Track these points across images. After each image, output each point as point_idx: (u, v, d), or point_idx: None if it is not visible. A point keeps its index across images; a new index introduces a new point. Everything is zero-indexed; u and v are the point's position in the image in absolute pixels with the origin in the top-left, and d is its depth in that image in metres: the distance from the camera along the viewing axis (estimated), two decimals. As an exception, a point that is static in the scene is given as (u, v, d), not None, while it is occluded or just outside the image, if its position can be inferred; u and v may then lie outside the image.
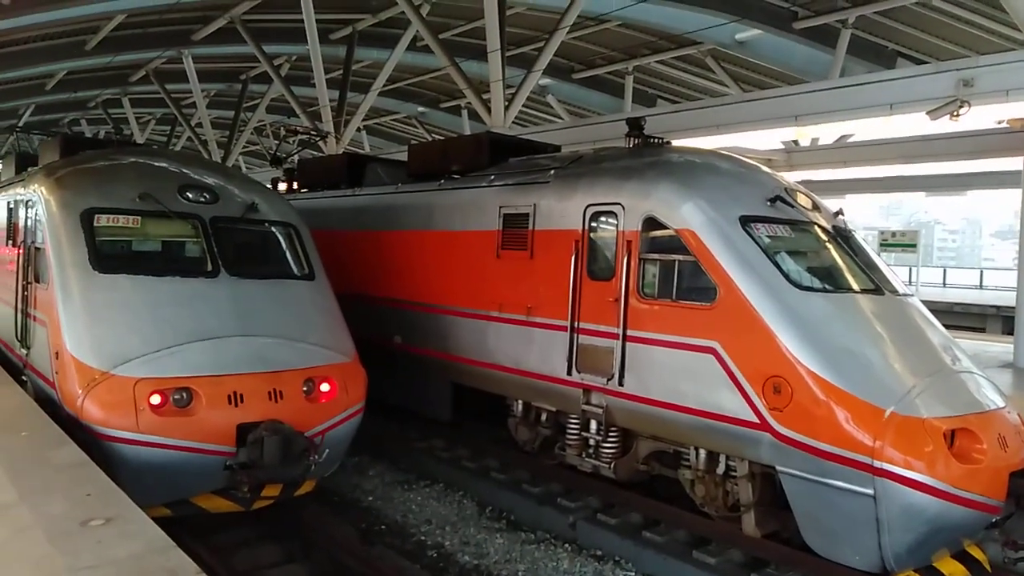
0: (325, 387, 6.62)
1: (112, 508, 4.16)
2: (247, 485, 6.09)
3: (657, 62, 21.29)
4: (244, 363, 6.25)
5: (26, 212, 7.92)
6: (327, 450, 6.39)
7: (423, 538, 7.16)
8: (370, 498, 8.17)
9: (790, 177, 11.36)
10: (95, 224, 6.73)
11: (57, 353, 6.34)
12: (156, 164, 7.81)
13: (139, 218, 6.92)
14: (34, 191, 7.63)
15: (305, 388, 6.47)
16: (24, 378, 7.70)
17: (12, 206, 8.69)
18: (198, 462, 5.91)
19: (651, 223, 6.70)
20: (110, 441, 5.77)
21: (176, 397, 5.92)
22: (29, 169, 9.93)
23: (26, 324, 7.57)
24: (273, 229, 7.66)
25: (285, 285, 7.25)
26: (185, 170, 7.64)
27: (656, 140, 8.01)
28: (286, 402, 6.25)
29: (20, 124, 29.26)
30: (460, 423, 9.51)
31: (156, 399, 5.85)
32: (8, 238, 8.81)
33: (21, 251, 7.96)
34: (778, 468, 5.77)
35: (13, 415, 6.01)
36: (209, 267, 6.85)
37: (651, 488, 7.58)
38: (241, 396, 6.06)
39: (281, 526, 7.00)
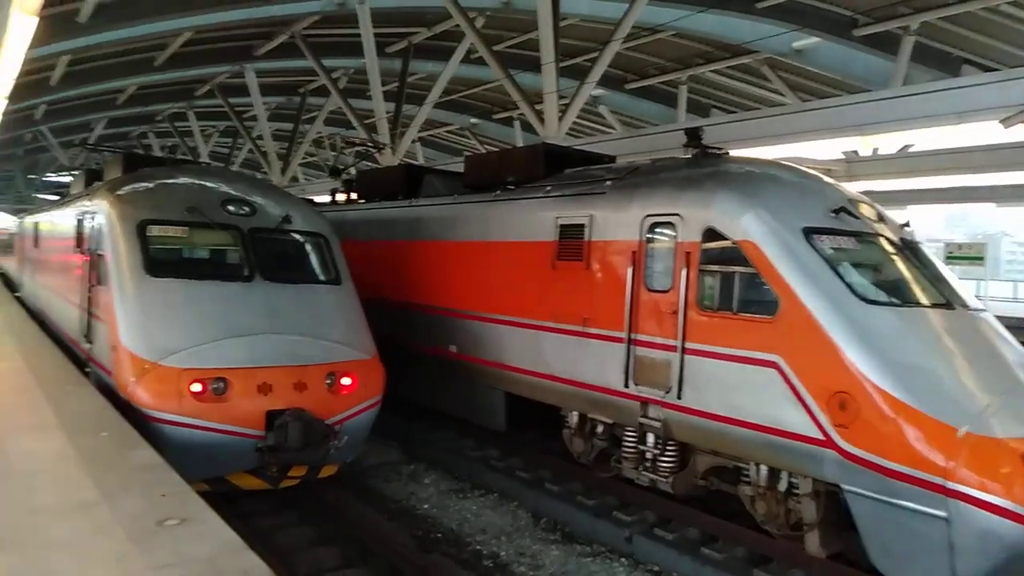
0: (346, 381, 7.39)
1: (187, 509, 4.31)
2: (275, 466, 6.94)
3: (711, 72, 21.07)
4: (273, 357, 7.04)
5: (91, 223, 8.80)
6: (346, 437, 7.15)
7: (479, 547, 7.19)
8: (426, 506, 8.25)
9: (850, 187, 11.14)
10: (148, 234, 7.58)
11: (114, 347, 7.18)
12: (202, 180, 8.59)
13: (186, 228, 7.78)
14: (98, 204, 8.53)
15: (327, 381, 7.25)
16: (87, 370, 8.46)
17: (80, 217, 9.61)
18: (232, 443, 6.71)
19: (711, 234, 6.64)
20: (157, 422, 6.58)
21: (214, 386, 6.72)
22: (95, 184, 10.86)
23: (90, 322, 8.47)
24: (304, 239, 8.42)
25: (313, 289, 8.03)
26: (228, 186, 8.47)
27: (715, 150, 7.94)
28: (310, 393, 7.05)
29: (91, 140, 30.73)
30: (514, 433, 9.54)
31: (197, 387, 6.66)
32: (76, 246, 9.67)
33: (86, 258, 8.84)
34: (844, 487, 5.63)
35: (93, 417, 6.26)
36: (246, 272, 7.65)
37: (710, 504, 7.47)
38: (270, 386, 6.88)
39: (340, 530, 7.14)
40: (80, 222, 9.60)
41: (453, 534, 7.50)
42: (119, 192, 8.35)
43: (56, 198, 18.27)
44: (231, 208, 7.99)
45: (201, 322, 7.05)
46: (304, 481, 7.43)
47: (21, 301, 17.24)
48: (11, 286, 21.72)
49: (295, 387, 6.99)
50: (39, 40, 11.10)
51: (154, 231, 7.62)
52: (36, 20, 5.61)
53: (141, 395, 6.64)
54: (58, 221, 12.24)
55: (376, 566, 6.48)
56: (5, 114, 11.27)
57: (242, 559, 3.73)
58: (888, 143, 15.56)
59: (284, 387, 6.93)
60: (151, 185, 8.43)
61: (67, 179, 14.62)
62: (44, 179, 50.53)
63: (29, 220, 17.93)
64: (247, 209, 8.06)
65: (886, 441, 5.31)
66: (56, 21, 14.24)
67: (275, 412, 6.80)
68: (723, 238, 6.56)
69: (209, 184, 8.45)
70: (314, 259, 8.37)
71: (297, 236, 8.36)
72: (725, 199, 6.67)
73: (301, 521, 7.46)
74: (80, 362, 8.88)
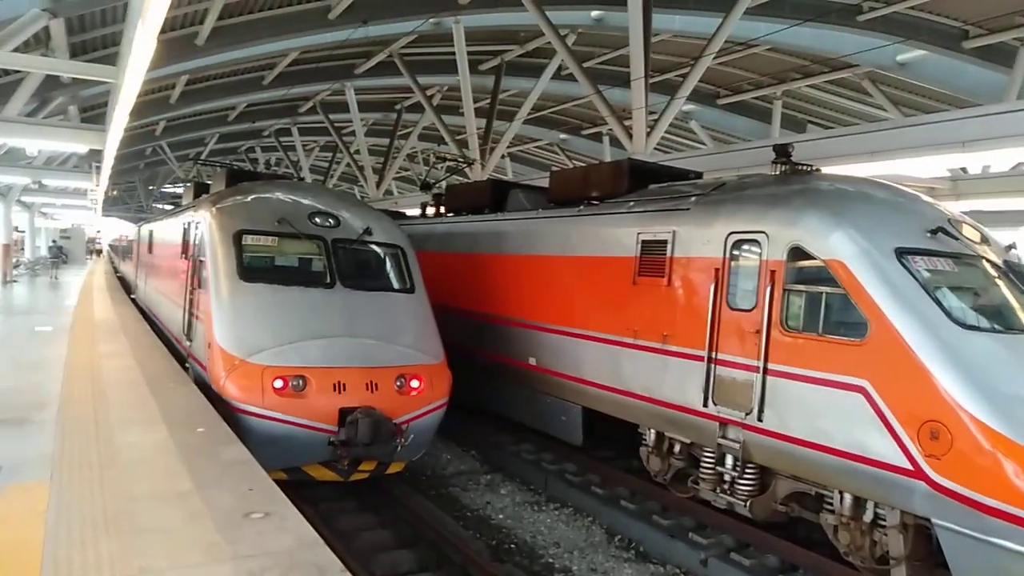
0: (415, 383, 7.87)
1: (270, 504, 4.54)
2: (346, 459, 7.46)
3: (808, 86, 20.45)
4: (348, 358, 7.59)
5: (195, 231, 9.64)
6: (412, 435, 7.60)
7: (551, 560, 7.22)
8: (501, 516, 8.34)
9: (957, 207, 10.54)
10: (243, 243, 8.28)
11: (209, 344, 7.89)
12: (293, 194, 9.24)
13: (276, 238, 8.43)
14: (201, 215, 9.32)
15: (397, 383, 7.76)
16: (187, 365, 9.25)
17: (186, 226, 10.51)
18: (307, 436, 7.25)
19: (797, 253, 6.47)
20: (242, 414, 7.20)
21: (294, 383, 7.30)
22: (201, 196, 11.83)
23: (190, 322, 9.33)
24: (383, 249, 8.98)
25: (389, 297, 8.57)
26: (315, 199, 9.10)
27: (804, 167, 7.73)
28: (380, 393, 7.55)
29: (204, 154, 32.84)
30: (592, 448, 9.51)
31: (279, 383, 7.26)
32: (182, 252, 10.57)
33: (189, 263, 9.71)
34: (934, 521, 5.35)
35: (191, 413, 6.68)
36: (328, 280, 8.29)
37: (790, 531, 7.23)
38: (344, 385, 7.41)
39: (417, 535, 7.32)
40: (186, 231, 10.49)
41: (527, 546, 7.56)
42: (219, 204, 9.07)
43: (171, 208, 20.23)
44: (317, 220, 8.64)
45: (285, 324, 7.68)
46: (373, 476, 7.94)
47: (135, 303, 18.66)
48: (127, 289, 23.63)
49: (367, 387, 7.51)
50: (160, 61, 12.01)
51: (248, 240, 8.29)
52: (155, 43, 6.08)
53: (230, 388, 7.32)
54: (168, 230, 13.26)
55: (450, 572, 6.61)
56: (128, 129, 12.24)
57: (318, 554, 3.90)
58: (1001, 160, 14.64)
59: (357, 387, 7.45)
60: (247, 198, 9.12)
61: (181, 190, 16.66)
62: (162, 190, 54.18)
63: (144, 228, 19.45)
64: (332, 221, 8.71)
65: (982, 475, 5.01)
66: (176, 43, 15.35)
67: (347, 409, 7.33)
68: (810, 257, 6.38)
69: (298, 198, 9.07)
70: (391, 269, 8.90)
71: (376, 247, 8.93)
72: (813, 217, 6.49)
73: (381, 525, 7.70)
74: (181, 358, 9.70)
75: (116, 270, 36.19)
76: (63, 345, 10.44)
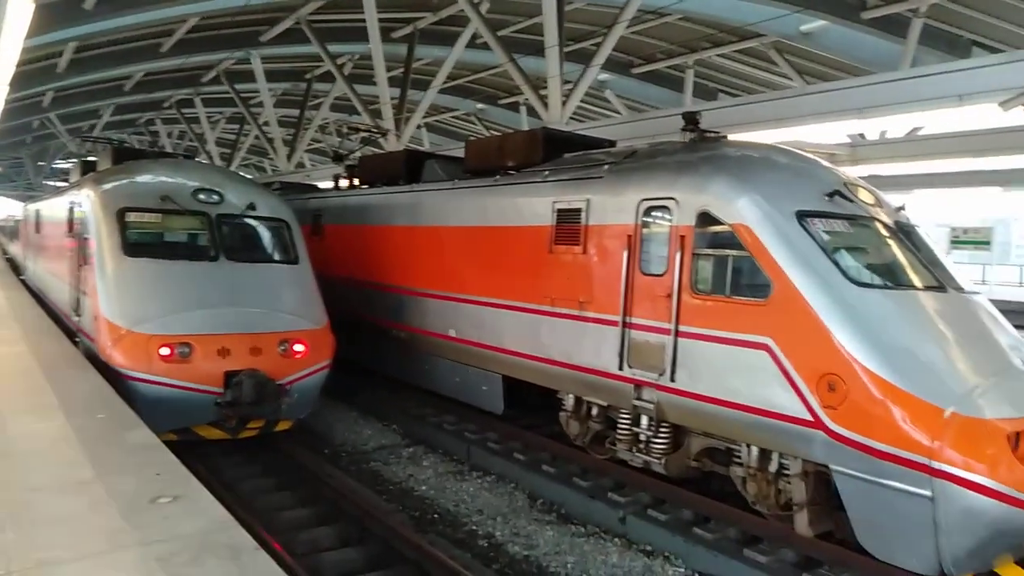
0: (298, 347, 8.43)
1: (179, 487, 4.41)
2: (233, 419, 8.05)
3: (718, 55, 20.93)
4: (232, 326, 8.10)
5: (80, 210, 9.79)
6: (296, 395, 8.28)
7: (474, 528, 7.29)
8: (423, 487, 8.35)
9: (856, 172, 11.06)
10: (126, 220, 8.59)
11: (95, 316, 8.32)
12: (177, 172, 9.54)
13: (160, 215, 8.79)
14: (86, 194, 9.50)
15: (281, 348, 8.32)
16: (77, 340, 9.60)
17: (72, 205, 10.62)
18: (195, 399, 7.78)
19: (705, 218, 6.66)
20: (131, 380, 7.64)
21: (180, 350, 7.77)
22: (88, 174, 11.80)
23: (78, 298, 9.60)
24: (267, 223, 9.38)
25: (272, 268, 9.05)
26: (199, 176, 9.40)
27: (712, 134, 7.93)
28: (264, 357, 8.13)
29: (99, 127, 31.00)
30: (514, 416, 9.62)
31: (165, 351, 7.73)
32: (68, 231, 10.74)
33: (76, 241, 9.88)
34: (832, 467, 5.68)
35: (91, 399, 6.39)
36: (212, 253, 8.68)
37: (703, 485, 7.54)
38: (228, 350, 7.95)
39: (339, 511, 7.25)
40: (71, 209, 10.60)
41: (450, 515, 7.60)
42: (103, 183, 9.32)
43: (59, 186, 19.53)
44: (201, 197, 8.97)
45: (170, 296, 8.12)
46: (262, 433, 8.53)
47: (26, 284, 17.70)
48: (17, 270, 22.50)
49: (251, 352, 8.05)
50: (43, 27, 11.21)
51: (131, 217, 8.63)
52: (33, 6, 5.66)
53: (117, 357, 7.76)
54: (54, 209, 13.28)
55: (373, 545, 6.59)
56: (9, 101, 11.38)
57: (232, 535, 3.82)
58: (897, 127, 15.42)
59: (241, 352, 8.00)
60: (132, 177, 9.35)
61: (71, 166, 16.44)
62: (53, 166, 50.84)
63: (31, 207, 18.95)
64: (216, 197, 9.06)
65: (873, 422, 5.34)
66: (61, 8, 14.31)
67: (232, 372, 7.88)
68: (717, 222, 6.57)
69: (183, 175, 9.34)
70: (274, 242, 9.34)
71: (260, 221, 9.33)
72: (720, 183, 6.68)
73: (300, 503, 7.59)
74: (72, 334, 9.95)
75: (4, 252, 33.85)
76: (-53, 333, 9.74)
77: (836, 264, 5.97)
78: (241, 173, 13.78)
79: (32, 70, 19.38)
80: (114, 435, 5.40)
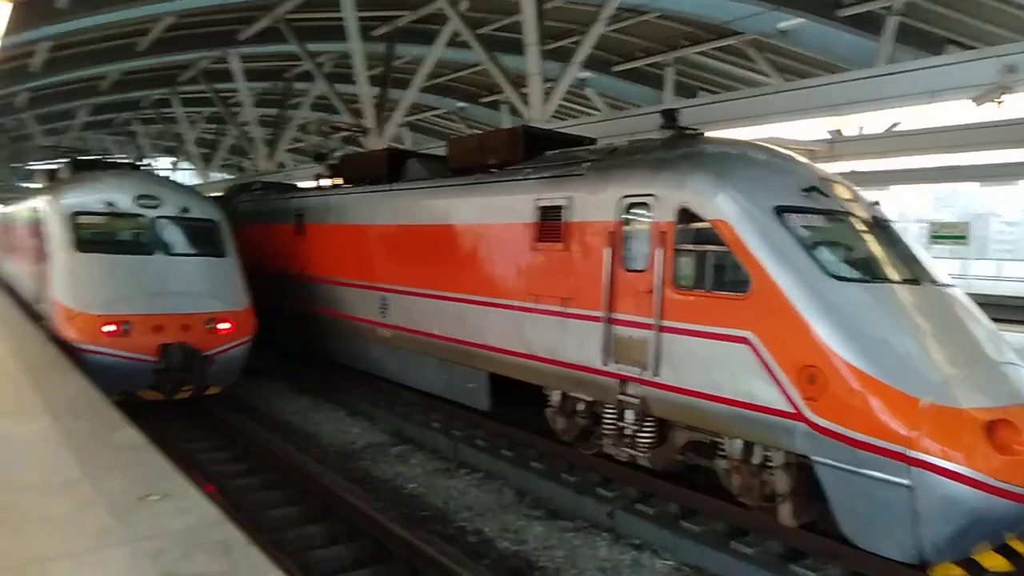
0: (223, 325, 10.26)
1: (168, 485, 4.42)
2: (168, 383, 9.88)
3: (698, 53, 21.07)
4: (165, 308, 9.90)
5: (42, 212, 11.54)
6: (220, 363, 10.21)
7: (463, 524, 7.33)
8: (412, 485, 8.38)
9: (834, 168, 11.22)
10: (77, 222, 10.36)
11: (52, 302, 10.25)
12: (124, 181, 11.29)
13: (105, 217, 10.56)
14: (47, 199, 11.37)
15: (208, 325, 10.11)
16: (41, 324, 11.18)
17: (35, 209, 12.51)
18: (136, 366, 9.60)
19: (685, 214, 6.75)
20: (83, 352, 9.36)
21: (123, 327, 9.57)
22: (49, 183, 13.94)
23: (40, 288, 11.43)
24: (197, 224, 11.07)
25: (201, 260, 10.79)
26: (141, 184, 11.15)
27: (691, 131, 8.02)
28: (192, 332, 9.97)
29: (76, 127, 30.73)
30: (499, 413, 9.67)
31: (110, 327, 9.53)
32: (32, 231, 12.50)
33: (39, 240, 11.59)
34: (813, 458, 5.79)
35: (75, 400, 6.36)
36: (149, 249, 10.46)
37: (689, 478, 7.63)
38: (162, 327, 9.78)
39: (328, 512, 7.27)
40: (34, 212, 12.44)
41: (439, 512, 7.64)
42: (60, 190, 11.19)
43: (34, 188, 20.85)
44: (142, 202, 10.73)
45: (113, 283, 9.90)
46: (193, 397, 10.28)
47: (1, 280, 18.55)
48: None
49: (181, 328, 9.87)
50: (16, 26, 11.08)
51: (81, 219, 10.40)
52: (10, 6, 5.62)
53: (69, 333, 9.62)
54: (22, 212, 15.32)
55: (363, 544, 6.61)
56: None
57: (222, 531, 3.84)
58: (875, 123, 15.63)
59: (173, 328, 9.83)
60: (84, 185, 11.16)
61: (50, 167, 18.01)
62: (28, 167, 50.10)
63: (2, 210, 21.16)
64: (155, 202, 10.81)
65: (852, 413, 5.45)
66: (34, 7, 14.11)
67: (166, 345, 9.72)
68: (697, 218, 6.67)
69: (128, 183, 11.11)
70: (204, 238, 11.00)
71: (192, 222, 11.02)
72: (698, 179, 6.77)
73: (288, 502, 7.59)
74: (37, 319, 11.60)
75: None
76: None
77: (814, 258, 6.09)
78: (176, 181, 16.26)
79: (4, 70, 19.12)
80: (100, 436, 5.39)
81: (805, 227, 6.36)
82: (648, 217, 7.07)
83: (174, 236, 10.80)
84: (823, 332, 5.67)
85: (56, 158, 21.49)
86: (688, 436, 7.12)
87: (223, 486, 7.80)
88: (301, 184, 18.83)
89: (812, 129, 14.25)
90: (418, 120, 33.26)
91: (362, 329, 11.74)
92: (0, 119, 28.28)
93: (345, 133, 17.48)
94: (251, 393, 12.16)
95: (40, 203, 11.96)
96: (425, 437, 9.93)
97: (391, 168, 11.99)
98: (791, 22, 17.76)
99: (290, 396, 12.48)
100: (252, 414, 11.15)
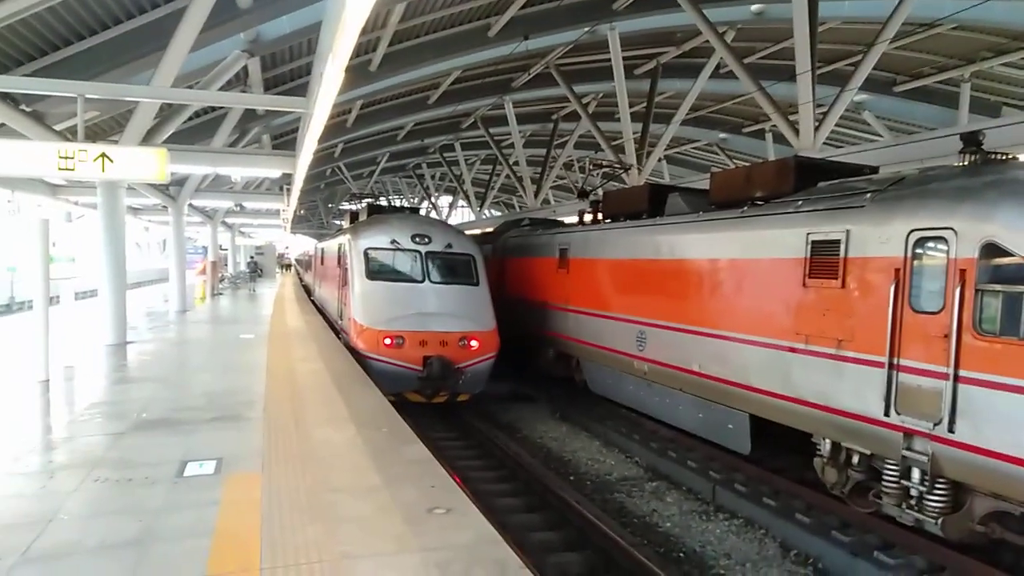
0: (473, 343, 12.16)
1: (452, 500, 4.88)
2: (428, 388, 11.86)
3: (1003, 65, 18.46)
4: (429, 326, 11.96)
5: (344, 248, 14.38)
6: (469, 374, 12.04)
7: (722, 572, 7.08)
8: (668, 524, 8.28)
9: None
10: (369, 255, 12.90)
11: (350, 319, 12.78)
12: (404, 222, 13.66)
13: (390, 252, 12.95)
14: (348, 237, 14.01)
15: (461, 342, 12.05)
16: (341, 337, 13.86)
17: (340, 244, 15.58)
18: (406, 373, 11.68)
19: (991, 250, 5.95)
20: (368, 359, 11.62)
21: (397, 341, 11.73)
22: (352, 223, 17.30)
23: (341, 308, 14.57)
24: (459, 257, 13.20)
25: (460, 288, 12.80)
26: (416, 226, 13.48)
27: (999, 156, 7.07)
28: (448, 348, 11.91)
29: (376, 172, 35.59)
30: (758, 456, 9.21)
31: (388, 341, 11.71)
32: (338, 262, 15.54)
33: (341, 270, 14.54)
34: None
35: (375, 413, 7.28)
36: (422, 278, 12.72)
37: (993, 553, 6.62)
38: (426, 342, 11.81)
39: (587, 541, 7.45)
40: (340, 247, 15.47)
41: (696, 555, 7.46)
42: (357, 230, 13.69)
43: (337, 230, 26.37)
44: (416, 239, 13.09)
45: (393, 305, 12.17)
46: (448, 402, 12.33)
47: (314, 303, 23.78)
48: (308, 292, 29.72)
49: (441, 344, 11.86)
50: (342, 89, 13.14)
51: (372, 253, 12.92)
52: (343, 75, 6.71)
53: (359, 344, 11.99)
54: (331, 247, 18.99)
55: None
56: (313, 154, 13.68)
57: (498, 550, 4.15)
58: None
59: (434, 343, 11.84)
60: (374, 225, 13.63)
61: (355, 207, 22.70)
62: (340, 207, 58.61)
63: (319, 245, 26.41)
64: (427, 239, 13.12)
65: None
66: (353, 71, 16.66)
67: (428, 357, 11.71)
68: (1007, 254, 5.84)
69: (407, 224, 13.52)
70: (463, 270, 13.07)
71: (454, 255, 13.17)
72: (1009, 210, 5.94)
73: (547, 526, 7.92)
74: (337, 333, 14.49)
75: (301, 280, 41.44)
76: (263, 351, 11.67)
77: None
78: (443, 221, 19.53)
79: (328, 126, 22.65)
80: (394, 447, 6.12)
81: None
82: (943, 252, 6.35)
83: (440, 267, 12.92)
84: None
85: (360, 199, 26.34)
86: (992, 504, 6.18)
87: (489, 504, 8.35)
88: (565, 220, 19.69)
89: None
90: (677, 152, 33.12)
91: (620, 361, 11.91)
92: (321, 167, 33.37)
93: (606, 170, 17.95)
94: (518, 418, 12.97)
95: (344, 240, 14.70)
96: (681, 475, 9.75)
97: (652, 203, 12.09)
98: None
99: (552, 422, 13.06)
100: (515, 434, 11.87)
